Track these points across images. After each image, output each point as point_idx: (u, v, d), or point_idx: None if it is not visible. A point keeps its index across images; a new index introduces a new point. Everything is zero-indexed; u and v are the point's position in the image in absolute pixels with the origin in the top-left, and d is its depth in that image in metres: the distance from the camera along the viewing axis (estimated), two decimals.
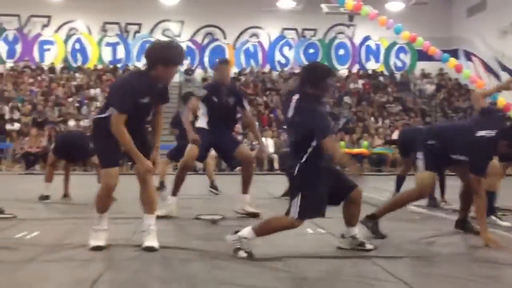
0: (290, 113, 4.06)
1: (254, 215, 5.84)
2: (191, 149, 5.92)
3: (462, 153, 4.64)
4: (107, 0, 19.80)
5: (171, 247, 4.25)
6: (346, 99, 20.86)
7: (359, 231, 4.30)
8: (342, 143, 16.43)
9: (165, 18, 22.50)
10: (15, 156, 15.58)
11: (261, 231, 4.01)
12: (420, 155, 4.79)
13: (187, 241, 4.62)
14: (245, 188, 6.09)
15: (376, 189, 9.60)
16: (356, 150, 16.43)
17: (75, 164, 11.74)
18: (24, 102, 18.56)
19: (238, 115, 6.56)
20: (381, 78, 23.08)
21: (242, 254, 3.92)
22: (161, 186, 8.70)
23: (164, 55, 4.03)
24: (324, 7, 19.04)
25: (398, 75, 23.46)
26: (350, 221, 4.21)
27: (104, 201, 4.23)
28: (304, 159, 3.97)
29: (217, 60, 6.84)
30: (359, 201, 4.16)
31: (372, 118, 19.56)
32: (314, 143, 3.94)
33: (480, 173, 4.49)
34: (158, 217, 4.56)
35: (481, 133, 4.46)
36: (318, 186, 3.96)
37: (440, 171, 5.21)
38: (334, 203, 4.16)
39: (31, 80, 20.23)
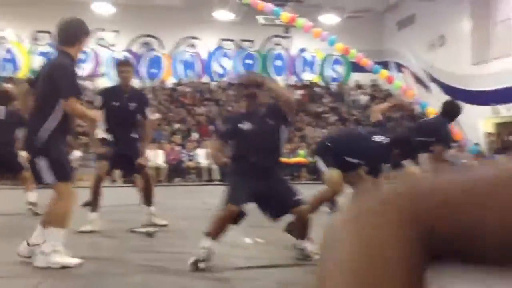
0: None
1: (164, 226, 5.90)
2: (102, 165, 5.84)
3: (355, 157, 5.03)
4: (38, 8, 19.18)
5: (108, 259, 4.14)
6: None
7: (310, 245, 4.21)
8: None
9: (100, 27, 22.03)
10: None
11: (213, 232, 3.94)
12: (318, 159, 5.16)
13: (123, 254, 4.51)
14: (148, 200, 6.12)
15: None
16: (293, 159, 16.66)
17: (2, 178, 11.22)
18: None
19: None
20: (317, 89, 23.56)
21: (202, 265, 3.85)
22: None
23: (85, 27, 4.21)
24: (260, 18, 19.26)
25: (333, 86, 24.03)
26: (299, 235, 4.26)
27: (69, 216, 4.06)
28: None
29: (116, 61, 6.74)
30: (301, 217, 4.16)
31: (309, 128, 19.90)
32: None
33: (376, 175, 4.91)
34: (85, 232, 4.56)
35: (377, 138, 4.85)
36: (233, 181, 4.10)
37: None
38: (273, 216, 4.21)
39: None
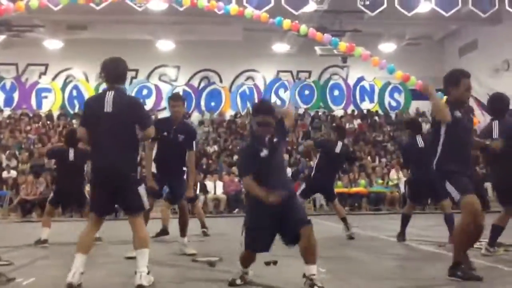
0: None
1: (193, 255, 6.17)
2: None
3: None
4: (104, 47, 19.97)
5: None
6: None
7: (317, 270, 4.14)
8: (339, 182, 16.39)
9: (162, 64, 22.81)
10: (12, 204, 15.45)
11: (241, 264, 4.42)
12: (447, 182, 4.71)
13: (184, 283, 4.56)
14: (182, 231, 6.54)
15: (375, 228, 9.54)
16: (354, 189, 16.39)
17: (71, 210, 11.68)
18: (21, 149, 18.57)
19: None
20: (376, 118, 23.26)
21: (238, 282, 4.37)
22: (164, 231, 8.48)
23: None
24: (318, 49, 19.34)
25: (393, 114, 23.65)
26: (304, 257, 4.14)
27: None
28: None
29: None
30: (307, 236, 4.09)
31: (369, 157, 19.59)
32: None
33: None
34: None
35: None
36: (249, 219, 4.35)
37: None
38: (287, 242, 4.26)
39: (28, 128, 20.32)
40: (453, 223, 7.18)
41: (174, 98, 6.57)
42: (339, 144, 8.31)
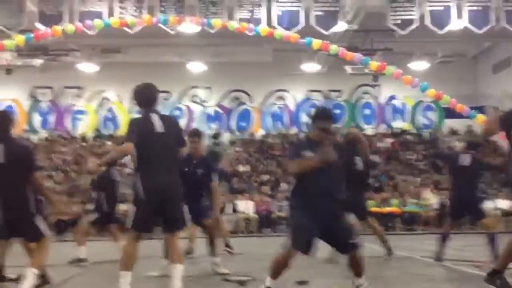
0: None
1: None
2: None
3: None
4: (137, 69, 20.43)
5: None
6: (375, 157, 20.71)
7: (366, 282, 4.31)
8: (372, 202, 16.20)
9: (193, 85, 23.10)
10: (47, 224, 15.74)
11: (272, 272, 4.29)
12: None
13: None
14: (212, 251, 6.69)
15: (408, 249, 9.38)
16: (387, 209, 16.15)
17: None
18: (57, 170, 18.97)
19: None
20: (408, 137, 22.97)
21: None
22: (191, 250, 8.56)
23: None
24: (348, 68, 19.29)
25: (425, 133, 23.33)
26: (352, 271, 4.34)
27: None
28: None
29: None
30: (356, 260, 4.28)
31: (402, 177, 19.32)
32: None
33: None
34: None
35: None
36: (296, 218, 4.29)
37: None
38: (338, 250, 4.41)
39: (64, 149, 20.76)
40: (494, 242, 7.02)
41: (190, 134, 6.78)
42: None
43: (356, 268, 4.24)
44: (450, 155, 8.56)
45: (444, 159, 9.30)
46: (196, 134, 6.84)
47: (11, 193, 4.62)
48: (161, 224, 4.85)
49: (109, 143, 21.63)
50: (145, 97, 4.83)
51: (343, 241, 4.21)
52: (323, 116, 4.40)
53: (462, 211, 7.71)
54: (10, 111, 5.63)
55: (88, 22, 14.54)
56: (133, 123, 4.81)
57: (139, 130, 4.65)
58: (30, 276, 4.60)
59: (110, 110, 23.00)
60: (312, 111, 4.68)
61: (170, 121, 4.84)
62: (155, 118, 4.68)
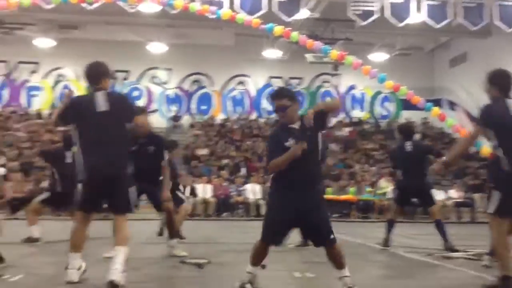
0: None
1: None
2: None
3: None
4: (95, 47, 20.00)
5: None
6: (333, 146, 21.03)
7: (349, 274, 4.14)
8: (329, 189, 16.46)
9: (153, 66, 22.79)
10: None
11: (251, 260, 4.17)
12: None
13: (172, 283, 4.56)
14: (170, 234, 6.53)
15: (363, 236, 9.59)
16: (343, 197, 16.45)
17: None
18: (11, 147, 18.42)
19: None
20: (366, 126, 23.39)
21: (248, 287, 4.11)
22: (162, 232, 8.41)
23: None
24: (309, 56, 19.42)
25: (383, 123, 23.80)
26: (335, 265, 4.15)
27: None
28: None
29: None
30: (334, 254, 4.09)
31: (358, 165, 19.68)
32: None
33: None
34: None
35: None
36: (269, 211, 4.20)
37: None
38: (313, 243, 4.23)
39: (17, 126, 20.16)
40: (441, 227, 7.27)
41: (139, 110, 6.41)
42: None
43: (337, 260, 4.07)
44: (396, 147, 8.66)
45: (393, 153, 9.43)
46: (141, 110, 6.43)
47: None
48: (108, 205, 4.76)
49: None
50: (91, 74, 4.71)
51: (319, 235, 4.06)
52: (273, 95, 4.21)
53: (409, 198, 7.87)
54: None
55: None
56: (72, 101, 4.74)
57: (79, 109, 4.62)
58: None
59: (66, 87, 22.40)
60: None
61: (116, 99, 4.68)
62: (99, 96, 4.58)
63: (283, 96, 4.14)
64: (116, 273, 4.20)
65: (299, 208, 4.00)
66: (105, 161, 4.46)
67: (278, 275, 5.02)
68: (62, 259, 5.80)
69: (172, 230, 6.54)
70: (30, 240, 7.47)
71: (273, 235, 4.11)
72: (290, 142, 3.96)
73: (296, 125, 4.09)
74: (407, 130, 8.13)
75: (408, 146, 7.64)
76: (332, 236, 4.04)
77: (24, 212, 12.81)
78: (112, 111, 4.52)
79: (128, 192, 4.55)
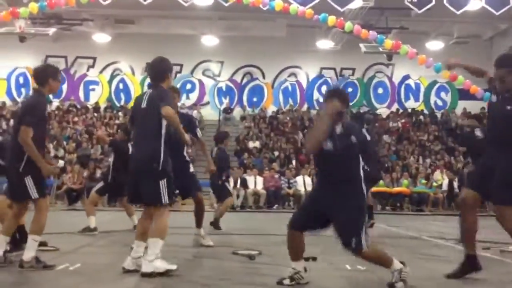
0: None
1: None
2: None
3: None
4: (150, 42, 20.39)
5: (208, 278, 4.26)
6: (386, 137, 20.67)
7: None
8: (381, 181, 16.21)
9: (206, 59, 23.02)
10: (58, 192, 15.93)
11: (290, 255, 4.25)
12: None
13: (224, 274, 4.62)
14: (197, 222, 6.66)
15: (417, 229, 9.39)
16: (396, 189, 16.15)
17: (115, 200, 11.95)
18: (69, 140, 19.11)
19: None
20: (421, 117, 22.83)
21: (286, 282, 4.16)
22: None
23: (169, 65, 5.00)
24: (363, 46, 19.10)
25: (438, 114, 23.17)
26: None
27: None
28: None
29: None
30: (365, 258, 4.07)
31: (413, 157, 19.26)
32: None
33: None
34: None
35: None
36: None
37: None
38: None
39: (75, 119, 20.88)
40: None
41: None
42: None
43: (377, 263, 4.08)
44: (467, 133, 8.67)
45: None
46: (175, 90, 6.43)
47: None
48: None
49: (120, 114, 21.73)
50: (149, 72, 4.97)
51: (341, 238, 3.98)
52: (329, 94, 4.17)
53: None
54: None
55: None
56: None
57: (133, 106, 5.04)
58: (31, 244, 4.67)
59: (122, 81, 23.03)
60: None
61: (153, 96, 4.74)
62: (146, 94, 4.82)
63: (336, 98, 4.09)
64: (147, 263, 4.35)
65: (323, 204, 4.04)
66: (138, 154, 4.71)
67: (328, 268, 4.99)
68: (118, 249, 6.02)
69: (200, 219, 6.61)
70: (88, 230, 7.73)
71: (295, 218, 4.21)
72: (328, 146, 3.95)
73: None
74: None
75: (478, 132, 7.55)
76: (354, 243, 3.90)
77: (81, 203, 13.38)
78: (149, 107, 4.70)
79: (159, 184, 4.56)
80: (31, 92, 5.00)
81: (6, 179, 5.05)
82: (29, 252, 4.61)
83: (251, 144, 19.70)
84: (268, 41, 21.60)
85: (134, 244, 4.68)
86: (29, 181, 4.67)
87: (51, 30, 19.09)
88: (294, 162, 18.27)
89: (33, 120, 4.68)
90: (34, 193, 4.70)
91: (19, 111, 5.13)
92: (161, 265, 4.39)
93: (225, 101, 22.85)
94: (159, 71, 4.87)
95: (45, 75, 5.00)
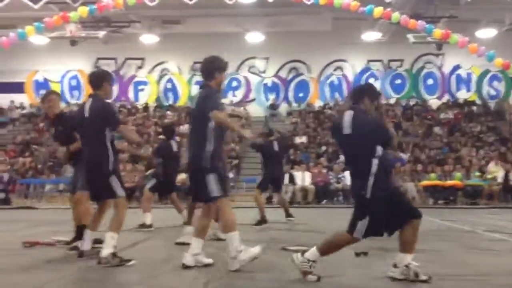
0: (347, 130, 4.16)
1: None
2: None
3: None
4: (196, 41, 20.64)
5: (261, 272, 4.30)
6: (437, 129, 20.18)
7: (413, 259, 4.09)
8: (433, 175, 15.84)
9: (251, 56, 23.10)
10: None
11: (324, 250, 4.19)
12: None
13: (274, 271, 4.64)
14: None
15: (472, 223, 9.15)
16: (449, 182, 15.75)
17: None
18: (121, 139, 19.57)
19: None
20: (473, 108, 22.17)
21: (312, 278, 4.13)
22: (263, 220, 8.67)
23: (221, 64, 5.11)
24: (411, 37, 18.70)
25: (492, 104, 22.43)
26: (405, 247, 4.07)
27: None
28: (372, 180, 3.99)
29: None
30: (416, 229, 4.07)
31: (466, 149, 18.72)
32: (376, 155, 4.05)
33: None
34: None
35: None
36: (385, 211, 4.01)
37: None
38: (390, 228, 4.12)
39: (126, 119, 21.39)
40: None
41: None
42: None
43: (410, 244, 4.12)
44: None
45: None
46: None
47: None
48: None
49: (169, 113, 22.11)
50: (200, 71, 5.08)
51: (403, 211, 4.18)
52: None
53: None
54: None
55: None
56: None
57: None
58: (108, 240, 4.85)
59: (170, 81, 23.43)
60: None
61: (200, 97, 4.85)
62: (197, 94, 4.95)
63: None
64: (188, 257, 4.60)
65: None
66: (188, 154, 4.85)
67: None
68: (172, 245, 6.14)
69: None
70: (144, 227, 7.96)
71: (371, 230, 4.20)
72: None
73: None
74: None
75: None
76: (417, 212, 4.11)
77: (139, 201, 13.72)
78: (197, 109, 4.77)
79: (206, 182, 4.62)
80: (84, 97, 5.19)
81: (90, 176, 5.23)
82: (107, 249, 4.79)
83: (298, 139, 19.65)
84: (313, 35, 21.45)
85: (191, 241, 4.77)
86: (113, 180, 4.98)
87: (101, 33, 19.63)
88: (341, 156, 18.08)
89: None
90: (120, 192, 5.02)
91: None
92: (245, 257, 4.55)
93: (271, 97, 22.89)
94: (207, 70, 4.94)
95: (100, 80, 5.21)
